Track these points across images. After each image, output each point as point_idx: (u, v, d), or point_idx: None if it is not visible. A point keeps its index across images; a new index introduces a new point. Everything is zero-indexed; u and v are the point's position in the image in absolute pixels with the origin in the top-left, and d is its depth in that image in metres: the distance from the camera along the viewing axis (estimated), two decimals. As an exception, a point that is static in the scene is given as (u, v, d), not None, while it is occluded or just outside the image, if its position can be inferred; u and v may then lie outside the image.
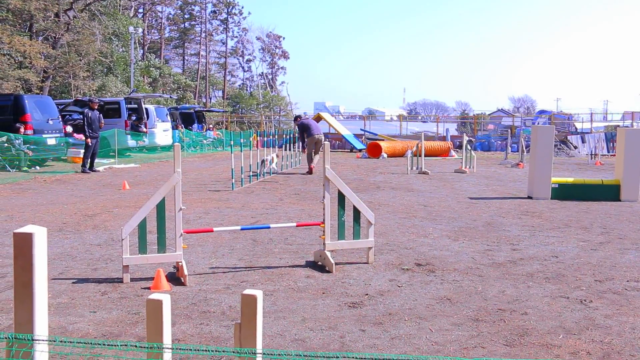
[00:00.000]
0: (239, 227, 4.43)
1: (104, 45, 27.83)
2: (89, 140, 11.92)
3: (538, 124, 31.97)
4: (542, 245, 5.05)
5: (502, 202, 7.92)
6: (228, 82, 48.73)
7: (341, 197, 4.36)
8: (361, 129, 26.51)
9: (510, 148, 21.41)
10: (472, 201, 8.06)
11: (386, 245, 5.08)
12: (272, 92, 49.06)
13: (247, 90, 49.99)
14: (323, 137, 12.11)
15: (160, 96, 23.32)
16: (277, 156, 12.15)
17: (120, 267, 4.14)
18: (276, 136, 13.10)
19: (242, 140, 9.73)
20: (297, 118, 13.07)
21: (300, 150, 13.92)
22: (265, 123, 40.53)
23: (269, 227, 4.70)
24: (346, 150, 24.59)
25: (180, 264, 3.98)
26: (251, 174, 10.68)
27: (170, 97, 26.47)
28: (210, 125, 28.98)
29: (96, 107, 12.10)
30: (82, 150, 12.47)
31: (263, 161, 11.06)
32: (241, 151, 9.65)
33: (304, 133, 12.23)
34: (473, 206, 7.55)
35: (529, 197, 8.39)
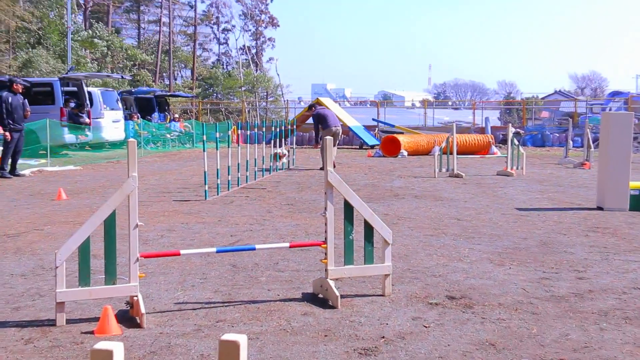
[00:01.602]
0: (214, 249, 4.42)
1: (27, 9, 27.70)
2: (8, 134, 11.63)
3: (610, 109, 32.08)
4: (618, 273, 5.04)
5: (561, 215, 7.92)
6: (199, 58, 48.88)
7: (348, 209, 4.36)
8: (374, 119, 26.59)
9: (571, 142, 21.47)
10: (521, 213, 8.06)
11: (408, 271, 5.08)
12: (256, 71, 49.22)
13: (223, 68, 50.15)
14: (341, 130, 13.62)
15: (108, 76, 23.36)
16: (288, 151, 13.81)
17: (53, 305, 4.09)
18: (263, 129, 13.12)
19: (217, 135, 9.76)
20: (312, 107, 14.53)
21: (313, 145, 15.98)
22: (248, 112, 40.61)
23: (253, 249, 4.69)
24: (354, 146, 24.67)
25: (135, 298, 3.96)
26: (263, 168, 10.98)
27: (122, 78, 26.52)
28: (176, 115, 29.06)
29: (20, 90, 11.90)
30: (0, 148, 12.09)
31: (277, 154, 11.63)
32: (217, 149, 9.67)
33: (319, 125, 13.39)
34: (523, 220, 7.55)
35: (599, 208, 8.41)
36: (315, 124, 13.39)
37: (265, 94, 47.05)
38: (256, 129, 12.45)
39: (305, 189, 10.62)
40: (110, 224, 3.84)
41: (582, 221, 7.46)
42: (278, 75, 52.30)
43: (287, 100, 35.82)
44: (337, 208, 4.89)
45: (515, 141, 13.52)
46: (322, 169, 12.78)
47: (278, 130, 14.18)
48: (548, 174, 13.51)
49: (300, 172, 13.60)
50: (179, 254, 4.20)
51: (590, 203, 8.97)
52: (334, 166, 11.86)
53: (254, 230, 6.76)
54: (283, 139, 14.38)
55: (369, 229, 4.40)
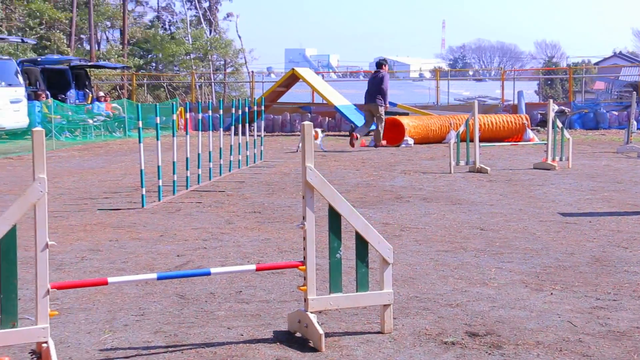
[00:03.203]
0: (154, 275, 4.41)
1: None
2: None
3: None
4: (691, 296, 5.11)
5: (621, 221, 8.01)
6: (130, 14, 48.56)
7: (334, 218, 4.37)
8: (369, 96, 26.62)
9: (635, 123, 21.66)
10: (566, 220, 8.14)
11: (415, 300, 5.11)
12: (210, 32, 49.08)
13: (165, 29, 49.93)
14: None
15: (3, 40, 23.09)
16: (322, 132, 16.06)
17: None
18: (220, 111, 13.09)
19: (158, 120, 9.73)
20: (382, 65, 18.26)
21: (385, 106, 17.90)
22: (200, 87, 40.47)
23: (208, 274, 4.69)
24: (343, 132, 24.71)
25: (44, 346, 3.93)
26: (221, 164, 11.05)
27: (23, 42, 26.25)
28: (101, 93, 28.91)
29: None
30: None
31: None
32: (158, 139, 9.64)
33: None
34: (569, 229, 7.62)
35: (670, 212, 8.51)
36: (385, 88, 17.42)
37: (222, 62, 46.96)
38: (210, 111, 12.38)
39: (278, 191, 10.62)
40: (8, 245, 3.80)
41: (648, 229, 7.55)
42: (239, 37, 52.10)
43: (252, 71, 35.79)
44: (320, 216, 4.89)
45: (559, 123, 13.66)
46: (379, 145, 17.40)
47: (240, 112, 14.17)
48: (603, 166, 13.67)
49: (271, 169, 13.60)
50: (106, 283, 4.18)
51: (659, 205, 9.08)
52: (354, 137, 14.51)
53: (209, 248, 6.74)
54: (247, 125, 14.36)
55: (362, 245, 4.41)
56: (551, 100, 14.18)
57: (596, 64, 50.31)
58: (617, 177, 11.97)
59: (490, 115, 20.84)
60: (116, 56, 41.17)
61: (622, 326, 4.55)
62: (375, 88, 17.77)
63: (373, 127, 18.35)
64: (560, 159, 13.41)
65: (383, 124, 18.03)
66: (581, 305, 4.98)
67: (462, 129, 13.25)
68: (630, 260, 6.20)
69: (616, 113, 25.51)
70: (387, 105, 17.98)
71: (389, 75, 18.14)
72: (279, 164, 14.62)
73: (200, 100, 33.30)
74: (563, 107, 24.68)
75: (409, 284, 5.50)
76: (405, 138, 18.69)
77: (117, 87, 37.11)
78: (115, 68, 32.67)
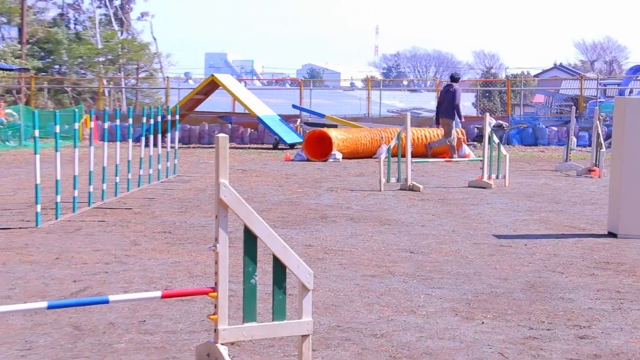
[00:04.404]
0: (44, 303, 4.27)
1: None
2: None
3: (631, 92, 33.30)
4: (636, 330, 5.25)
5: (558, 245, 8.22)
6: (30, 10, 47.52)
7: (250, 240, 4.34)
8: (294, 106, 26.74)
9: (575, 140, 22.25)
10: (500, 243, 8.29)
11: (337, 329, 5.11)
12: (121, 33, 48.44)
13: (70, 27, 49.04)
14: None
15: None
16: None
17: None
18: (130, 120, 12.87)
19: (57, 129, 9.50)
20: (457, 79, 19.39)
21: (441, 128, 19.06)
22: (109, 93, 39.86)
23: (106, 301, 4.56)
24: (266, 145, 24.68)
25: None
26: (129, 179, 10.79)
27: None
28: (-6, 97, 28.08)
29: None
30: None
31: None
32: (57, 150, 9.42)
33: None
34: (503, 252, 7.76)
35: (611, 235, 8.75)
36: (458, 102, 18.54)
37: (135, 67, 46.35)
38: (119, 120, 12.15)
39: (192, 209, 10.51)
40: None
41: (588, 254, 7.75)
42: (154, 39, 51.64)
43: (168, 77, 35.44)
44: (236, 237, 4.85)
45: (495, 138, 13.94)
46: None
47: (153, 122, 13.98)
48: (541, 185, 14.02)
49: (185, 185, 13.45)
50: (-13, 313, 4.02)
51: (600, 227, 9.33)
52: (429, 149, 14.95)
53: (111, 273, 6.62)
54: (160, 135, 14.17)
55: (280, 269, 4.38)
56: (487, 114, 14.47)
57: (536, 76, 51.74)
58: (555, 196, 12.30)
59: (424, 129, 21.16)
60: (12, 57, 40.13)
61: (554, 358, 4.64)
62: (449, 103, 18.57)
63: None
64: (497, 177, 13.69)
65: (453, 139, 18.71)
66: (513, 335, 5.06)
67: (393, 143, 13.38)
68: (566, 287, 6.35)
69: (555, 129, 26.19)
70: (462, 120, 19.47)
71: (460, 90, 19.22)
72: (194, 178, 14.48)
73: (107, 108, 32.73)
74: (501, 122, 25.18)
75: (331, 312, 5.50)
76: (333, 152, 18.78)
77: (13, 91, 36.18)
78: (11, 70, 31.82)
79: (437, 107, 19.68)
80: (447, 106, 18.59)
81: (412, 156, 13.53)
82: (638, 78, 34.24)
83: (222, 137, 4.34)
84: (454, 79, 19.41)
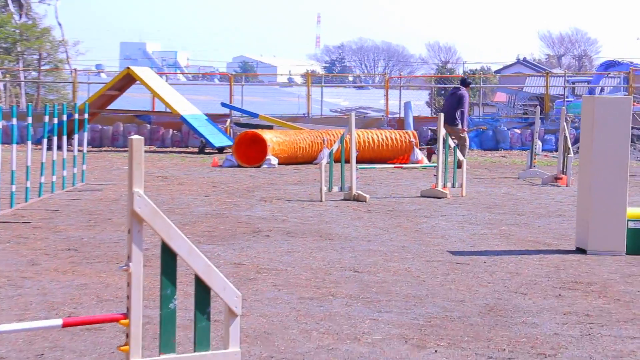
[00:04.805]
0: None
1: None
2: None
3: (602, 91, 33.69)
4: (606, 358, 5.33)
5: (521, 262, 8.33)
6: None
7: (168, 258, 4.33)
8: (223, 104, 26.67)
9: (540, 143, 22.39)
10: (456, 260, 8.39)
11: (271, 361, 5.11)
12: (20, 17, 47.68)
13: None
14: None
15: None
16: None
17: None
18: (29, 119, 12.68)
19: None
20: (467, 84, 20.05)
21: (460, 129, 19.19)
22: (5, 87, 39.15)
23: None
24: (190, 149, 24.52)
25: None
26: (28, 187, 10.32)
27: None
28: None
29: None
30: None
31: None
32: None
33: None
34: (459, 271, 7.85)
35: (580, 251, 8.91)
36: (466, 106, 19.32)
37: (36, 58, 45.65)
38: (16, 119, 11.98)
39: (102, 222, 10.40)
40: None
41: (553, 272, 7.87)
42: (60, 25, 50.85)
43: (76, 69, 35.00)
44: (153, 255, 4.84)
45: (451, 142, 14.10)
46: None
47: (57, 122, 13.81)
48: (502, 195, 14.23)
49: (94, 194, 13.30)
50: None
51: (567, 242, 9.50)
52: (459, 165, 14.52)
53: (3, 298, 6.50)
54: (65, 137, 14.01)
55: (203, 292, 4.38)
56: (442, 115, 14.58)
57: (497, 71, 52.53)
58: (517, 208, 12.49)
59: (371, 131, 21.25)
60: None
61: (516, 389, 4.72)
62: (452, 107, 19.09)
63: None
64: (453, 186, 13.85)
65: (465, 149, 19.06)
66: (470, 364, 5.13)
67: (336, 146, 13.45)
68: (529, 310, 6.44)
69: (519, 131, 26.56)
70: (464, 128, 19.55)
71: (468, 96, 19.97)
72: (106, 187, 14.32)
73: (2, 105, 32.16)
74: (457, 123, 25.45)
75: (263, 340, 5.48)
76: (267, 157, 18.76)
77: None
78: None
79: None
80: (448, 111, 18.93)
81: (358, 162, 13.60)
82: (610, 75, 34.87)
83: (137, 139, 4.33)
84: (465, 82, 19.99)
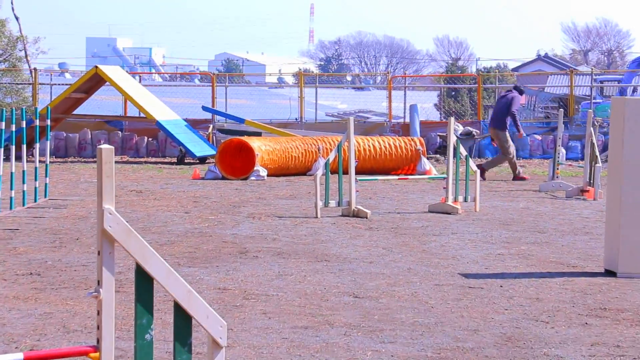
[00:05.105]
0: None
1: None
2: None
3: (635, 91, 33.71)
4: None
5: (542, 286, 8.32)
6: None
7: (144, 283, 4.32)
8: (205, 108, 26.69)
9: (563, 151, 22.39)
10: (469, 283, 8.38)
11: (261, 399, 5.08)
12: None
13: None
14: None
15: None
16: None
17: None
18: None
19: None
20: (520, 90, 20.51)
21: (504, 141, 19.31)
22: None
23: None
24: (168, 159, 24.51)
25: None
26: None
27: None
28: None
29: None
30: None
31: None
32: None
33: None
34: (472, 296, 7.84)
35: (609, 273, 8.88)
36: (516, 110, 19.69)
37: (-8, 55, 45.76)
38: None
39: (69, 243, 10.38)
40: None
41: (579, 298, 7.86)
42: (17, 19, 50.91)
43: (36, 69, 35.03)
44: (126, 280, 4.82)
45: (463, 150, 14.08)
46: (517, 177, 19.28)
47: (15, 129, 13.78)
48: (521, 209, 14.22)
49: (59, 211, 13.28)
50: None
51: (594, 263, 9.48)
52: (483, 175, 15.46)
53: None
54: (25, 147, 13.96)
55: (183, 321, 4.36)
56: (453, 119, 14.57)
57: (515, 69, 52.69)
58: (538, 224, 12.47)
59: (372, 138, 21.28)
60: None
61: None
62: (500, 110, 19.59)
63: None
64: (465, 200, 13.83)
65: (510, 155, 19.48)
66: (486, 401, 5.12)
67: (333, 156, 13.43)
68: (551, 340, 6.43)
69: (539, 137, 26.55)
70: (522, 132, 20.52)
71: (518, 99, 20.19)
72: (73, 203, 14.30)
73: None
74: (470, 128, 25.46)
75: (252, 375, 5.48)
76: (255, 168, 18.74)
77: None
78: None
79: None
80: (497, 114, 19.69)
81: (357, 173, 13.60)
82: (643, 73, 34.95)
83: (107, 149, 4.31)
84: (519, 89, 20.50)
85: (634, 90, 33.97)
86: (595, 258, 9.72)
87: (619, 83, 35.40)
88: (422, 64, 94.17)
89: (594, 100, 29.56)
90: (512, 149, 19.28)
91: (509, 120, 19.33)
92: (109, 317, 4.27)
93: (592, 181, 15.81)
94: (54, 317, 6.82)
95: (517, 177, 19.18)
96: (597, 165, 15.75)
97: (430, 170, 19.88)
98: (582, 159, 20.53)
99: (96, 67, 24.53)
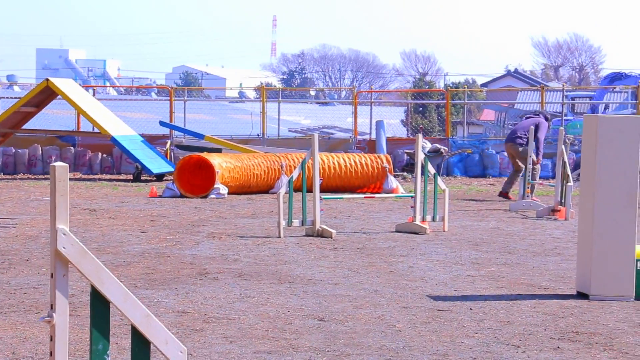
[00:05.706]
0: None
1: None
2: None
3: (606, 108, 33.71)
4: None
5: (513, 308, 8.37)
6: None
7: (100, 306, 4.30)
8: (162, 123, 26.62)
9: (532, 172, 22.50)
10: (438, 306, 8.39)
11: None
12: None
13: None
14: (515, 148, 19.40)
15: None
16: None
17: None
18: None
19: None
20: (547, 118, 20.08)
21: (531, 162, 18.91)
22: None
23: None
24: (124, 176, 24.40)
25: None
26: None
27: None
28: None
29: None
30: None
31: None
32: None
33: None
34: (441, 319, 7.86)
35: (581, 295, 8.95)
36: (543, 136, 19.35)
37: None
38: None
39: (18, 264, 10.31)
40: None
41: (551, 321, 7.91)
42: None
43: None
44: (81, 303, 4.79)
45: (431, 167, 14.13)
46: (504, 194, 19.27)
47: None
48: (491, 229, 14.30)
49: (7, 231, 13.19)
50: None
51: (566, 285, 9.56)
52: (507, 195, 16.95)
53: None
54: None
55: (141, 346, 4.34)
56: (420, 135, 14.63)
57: (484, 85, 53.04)
58: (508, 245, 12.55)
59: (337, 155, 21.31)
60: None
61: None
62: (526, 130, 19.04)
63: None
64: (433, 219, 13.86)
65: (520, 172, 19.23)
66: None
67: (296, 173, 13.44)
68: (523, 364, 6.48)
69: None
70: (539, 158, 19.30)
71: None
72: (22, 222, 14.20)
73: None
74: (438, 145, 25.51)
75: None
76: (215, 185, 18.71)
77: None
78: None
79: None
80: (519, 131, 19.50)
81: (322, 191, 13.60)
82: (615, 89, 35.22)
83: (60, 166, 4.29)
84: (545, 116, 20.19)
85: (606, 107, 34.27)
86: (567, 280, 9.80)
87: (590, 100, 35.72)
88: (389, 78, 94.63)
89: (565, 117, 29.79)
90: (523, 167, 19.21)
91: (526, 140, 18.93)
92: (62, 343, 4.24)
93: (563, 201, 15.89)
94: (3, 343, 6.74)
95: (503, 194, 19.22)
96: (569, 184, 15.82)
97: (397, 189, 19.93)
98: (553, 177, 20.62)
99: (47, 79, 24.35)
